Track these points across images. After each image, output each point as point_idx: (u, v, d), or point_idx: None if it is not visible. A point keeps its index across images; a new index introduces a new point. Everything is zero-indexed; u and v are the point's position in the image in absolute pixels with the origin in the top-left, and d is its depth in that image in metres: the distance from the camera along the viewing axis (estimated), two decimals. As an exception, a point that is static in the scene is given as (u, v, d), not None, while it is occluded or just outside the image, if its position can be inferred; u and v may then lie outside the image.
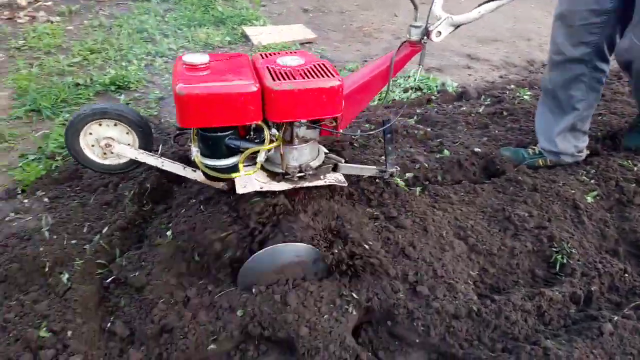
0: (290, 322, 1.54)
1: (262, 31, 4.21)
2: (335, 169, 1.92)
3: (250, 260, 1.63)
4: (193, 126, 1.63)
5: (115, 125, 1.81)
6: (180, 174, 1.89)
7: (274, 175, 1.79)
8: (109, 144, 1.81)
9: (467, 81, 3.60)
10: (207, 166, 1.68)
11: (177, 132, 2.15)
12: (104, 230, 1.90)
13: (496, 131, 2.75)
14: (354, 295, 1.66)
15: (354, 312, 1.63)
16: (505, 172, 2.36)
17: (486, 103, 3.11)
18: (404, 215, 1.98)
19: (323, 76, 1.57)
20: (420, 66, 1.86)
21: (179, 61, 1.63)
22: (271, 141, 1.66)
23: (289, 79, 1.54)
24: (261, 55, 1.77)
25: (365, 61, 3.90)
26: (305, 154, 1.78)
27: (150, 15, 4.34)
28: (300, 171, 1.76)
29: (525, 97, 3.18)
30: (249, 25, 4.34)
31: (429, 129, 2.74)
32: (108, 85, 3.13)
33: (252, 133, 1.75)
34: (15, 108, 2.85)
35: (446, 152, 2.46)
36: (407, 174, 2.29)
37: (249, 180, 1.72)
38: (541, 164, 2.41)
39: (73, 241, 1.85)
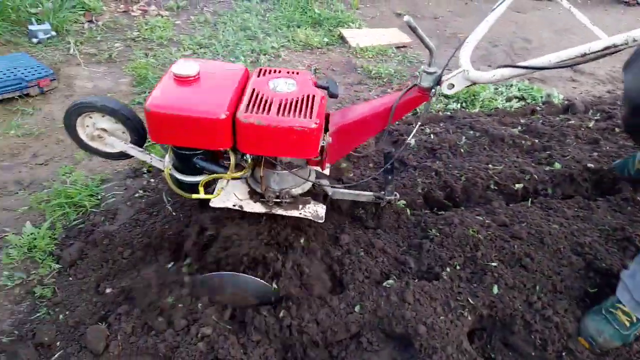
0: (409, 319, 1.56)
1: (359, 34, 4.27)
2: (326, 196, 1.84)
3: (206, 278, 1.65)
4: (160, 142, 1.59)
5: (115, 122, 1.75)
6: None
7: (253, 194, 1.70)
8: (101, 135, 1.76)
9: (572, 94, 3.46)
10: (172, 178, 1.64)
11: None
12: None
13: (607, 147, 2.63)
14: (470, 300, 1.65)
15: (469, 317, 1.63)
16: (622, 191, 2.25)
17: (596, 118, 2.97)
18: (518, 226, 1.95)
19: (300, 115, 1.41)
20: (419, 123, 1.66)
21: (170, 67, 1.52)
22: (241, 167, 1.60)
23: (264, 111, 1.40)
24: (261, 70, 1.61)
25: (463, 68, 3.85)
26: (289, 180, 1.67)
27: (251, 14, 4.52)
28: (277, 197, 1.65)
29: (639, 114, 3.01)
30: (345, 28, 4.41)
31: (536, 140, 2.66)
32: (217, 78, 3.29)
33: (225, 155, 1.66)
34: (135, 94, 3.07)
35: (557, 164, 2.38)
36: (517, 185, 2.25)
37: (228, 195, 1.66)
38: None
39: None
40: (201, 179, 1.60)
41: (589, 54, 1.32)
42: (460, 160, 2.44)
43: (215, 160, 1.63)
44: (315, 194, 1.81)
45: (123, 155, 1.81)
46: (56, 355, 1.51)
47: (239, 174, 1.59)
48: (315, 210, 1.68)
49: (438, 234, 1.93)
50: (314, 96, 1.50)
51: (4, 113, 2.78)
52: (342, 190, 1.91)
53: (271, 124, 1.38)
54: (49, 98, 2.98)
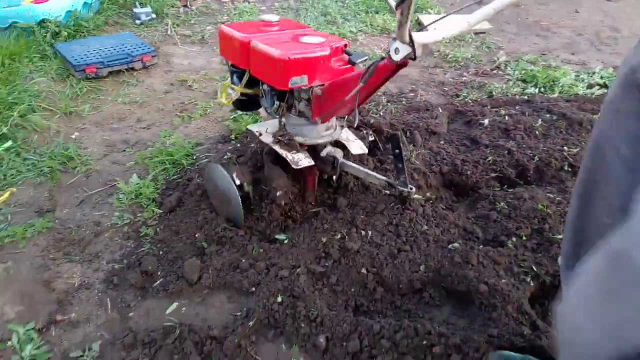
0: (471, 278, 1.66)
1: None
2: (334, 166, 2.01)
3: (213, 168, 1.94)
4: (222, 55, 2.02)
5: None
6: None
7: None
8: None
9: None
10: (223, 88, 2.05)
11: None
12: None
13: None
14: (533, 267, 1.71)
15: (532, 283, 1.69)
16: None
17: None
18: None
19: (284, 51, 1.64)
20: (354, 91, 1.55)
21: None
22: (251, 87, 1.92)
23: (267, 44, 1.70)
24: (314, 31, 1.94)
25: (544, 54, 3.78)
26: (297, 127, 1.92)
27: (331, 1, 4.68)
28: (281, 136, 1.91)
29: None
30: (423, 14, 4.46)
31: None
32: (298, 59, 3.50)
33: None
34: (226, 71, 3.34)
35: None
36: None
37: (264, 126, 1.99)
38: None
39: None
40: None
41: None
42: (535, 141, 2.46)
43: (241, 78, 1.94)
44: (325, 160, 2.00)
45: None
46: (158, 282, 1.76)
47: (247, 91, 1.94)
48: (298, 158, 1.87)
49: (506, 207, 1.99)
50: (314, 49, 1.70)
51: (112, 83, 3.15)
52: (350, 163, 2.01)
53: (257, 48, 1.71)
54: (150, 72, 3.33)
